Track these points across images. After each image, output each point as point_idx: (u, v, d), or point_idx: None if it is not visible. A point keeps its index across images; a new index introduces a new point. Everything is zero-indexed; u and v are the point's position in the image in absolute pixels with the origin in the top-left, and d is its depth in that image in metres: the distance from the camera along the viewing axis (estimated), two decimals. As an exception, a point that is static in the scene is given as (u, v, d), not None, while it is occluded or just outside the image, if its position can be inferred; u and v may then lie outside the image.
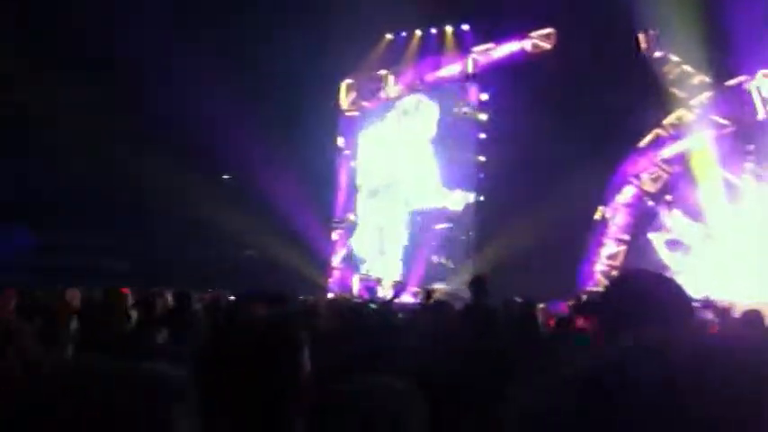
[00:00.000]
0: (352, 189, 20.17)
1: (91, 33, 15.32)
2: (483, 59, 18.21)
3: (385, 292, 17.67)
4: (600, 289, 14.84)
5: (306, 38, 16.37)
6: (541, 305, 8.35)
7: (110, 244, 16.98)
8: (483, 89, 18.13)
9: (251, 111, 16.09)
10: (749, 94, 14.64)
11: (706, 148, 14.73)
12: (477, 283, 5.41)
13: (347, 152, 20.48)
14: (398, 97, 19.77)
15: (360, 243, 19.65)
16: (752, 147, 14.51)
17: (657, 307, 1.74)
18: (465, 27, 18.35)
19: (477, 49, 18.23)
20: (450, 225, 18.13)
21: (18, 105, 14.87)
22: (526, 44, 17.40)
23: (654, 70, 15.27)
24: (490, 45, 17.98)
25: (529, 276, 12.46)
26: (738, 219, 14.30)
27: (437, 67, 19.02)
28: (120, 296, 5.16)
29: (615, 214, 16.03)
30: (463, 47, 18.47)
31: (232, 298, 7.91)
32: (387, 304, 7.75)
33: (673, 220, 15.32)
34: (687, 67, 15.07)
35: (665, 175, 15.73)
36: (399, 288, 13.97)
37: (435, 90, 19.16)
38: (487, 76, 17.95)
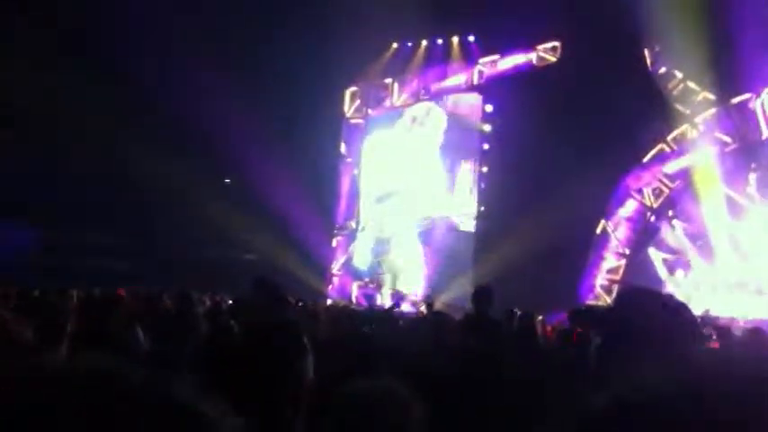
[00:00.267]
0: (354, 196, 20.17)
1: (94, 34, 15.36)
2: (489, 70, 18.25)
3: (384, 300, 17.65)
4: (599, 303, 14.83)
5: (311, 45, 16.42)
6: (540, 317, 8.33)
7: (110, 244, 16.98)
8: (488, 100, 18.16)
9: (254, 116, 16.11)
10: (754, 112, 14.65)
11: (709, 164, 14.72)
12: (481, 294, 5.37)
13: (349, 159, 20.51)
14: (404, 106, 19.79)
15: (362, 249, 19.61)
16: (755, 165, 14.50)
17: (663, 327, 1.74)
18: (471, 38, 18.40)
19: (482, 60, 18.27)
20: (453, 234, 18.11)
21: (19, 105, 14.88)
22: (532, 56, 17.44)
23: (658, 85, 15.29)
24: (496, 57, 18.02)
25: (528, 287, 12.44)
26: (740, 236, 14.28)
27: (442, 77, 19.06)
28: (117, 298, 5.16)
29: (617, 228, 16.02)
30: (469, 58, 18.51)
31: (230, 302, 7.88)
32: (387, 313, 7.73)
33: (674, 235, 15.30)
34: (691, 84, 15.09)
35: (667, 191, 15.73)
36: (398, 298, 13.95)
37: (440, 100, 19.20)
38: (493, 88, 17.98)
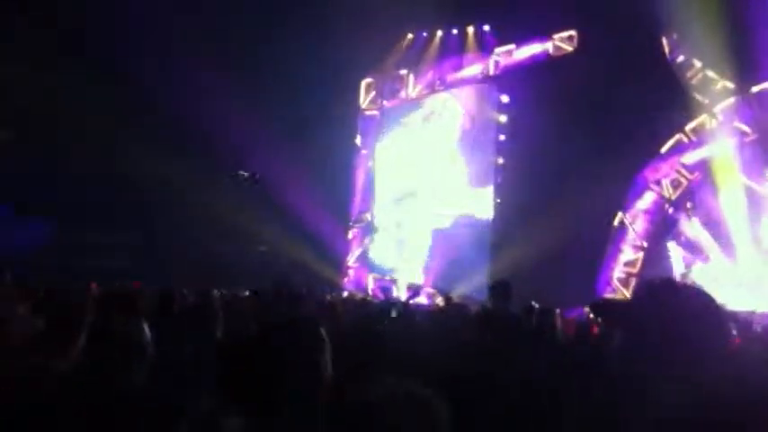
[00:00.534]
0: (370, 188, 20.12)
1: (94, 34, 15.38)
2: (504, 61, 18.11)
3: (399, 292, 17.62)
4: (617, 296, 14.72)
5: (326, 36, 16.36)
6: (557, 311, 8.26)
7: (125, 241, 17.07)
8: (504, 91, 18.01)
9: (269, 109, 16.11)
10: (774, 101, 14.44)
11: (728, 155, 14.53)
12: (499, 288, 5.34)
13: (365, 151, 20.46)
14: (420, 97, 19.67)
15: (380, 250, 19.52)
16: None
17: (690, 320, 1.69)
18: (486, 28, 18.25)
19: (498, 50, 18.13)
20: (470, 228, 18.00)
21: (20, 106, 14.96)
22: (548, 46, 17.27)
23: (676, 75, 15.09)
24: (512, 46, 17.87)
25: (546, 281, 12.35)
26: (760, 228, 14.11)
27: (458, 67, 18.94)
28: (135, 294, 5.14)
29: (634, 220, 15.86)
30: (484, 48, 18.37)
31: (247, 293, 7.89)
32: (404, 305, 7.71)
33: (692, 227, 15.14)
34: (710, 73, 14.88)
35: (685, 182, 15.55)
36: (415, 290, 13.92)
37: (455, 91, 19.06)
38: (509, 78, 17.84)
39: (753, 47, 13.17)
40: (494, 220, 17.65)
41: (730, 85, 14.72)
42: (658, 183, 15.75)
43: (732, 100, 14.82)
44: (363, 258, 19.83)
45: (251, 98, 15.70)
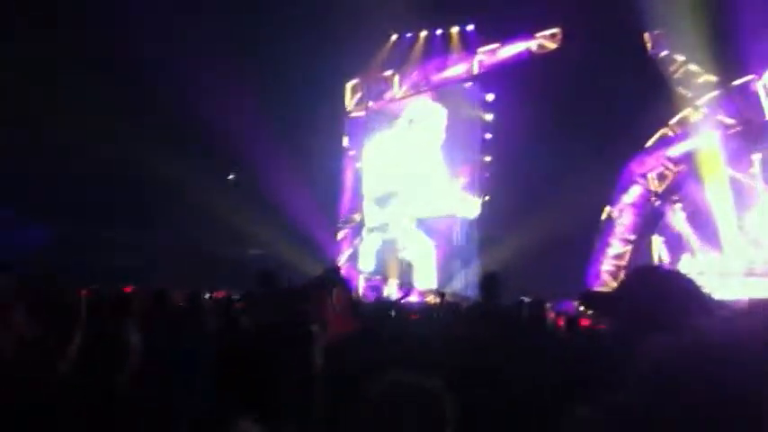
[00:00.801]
0: (358, 189, 20.15)
1: (93, 33, 15.34)
2: (488, 60, 18.19)
3: (390, 292, 17.64)
4: (607, 288, 14.82)
5: (311, 39, 16.37)
6: (548, 305, 8.33)
7: (115, 241, 17.00)
8: (489, 89, 18.09)
9: (256, 110, 16.10)
10: (756, 93, 14.58)
11: (713, 147, 14.68)
12: (488, 281, 5.37)
13: (352, 153, 20.48)
14: (405, 98, 19.69)
15: (368, 251, 19.52)
16: (759, 147, 14.45)
17: (678, 302, 1.73)
18: (470, 27, 18.32)
19: (482, 49, 18.20)
20: (457, 226, 18.07)
21: (21, 106, 14.90)
22: (532, 44, 17.37)
23: (660, 69, 15.22)
24: (496, 45, 17.95)
25: (535, 276, 12.41)
26: (745, 219, 14.25)
27: (443, 67, 19.00)
28: (126, 297, 5.16)
29: (621, 214, 15.99)
30: (469, 47, 18.44)
31: (236, 297, 7.89)
32: (396, 304, 7.76)
33: (678, 219, 15.27)
34: (693, 67, 15.02)
35: (671, 175, 15.69)
36: (407, 290, 13.95)
37: (441, 91, 19.10)
38: (493, 77, 17.92)
39: (734, 40, 13.30)
40: (482, 217, 17.71)
41: (713, 78, 14.86)
42: (644, 176, 15.89)
43: (715, 93, 14.97)
44: (353, 259, 19.85)
45: (239, 100, 15.70)
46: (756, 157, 14.42)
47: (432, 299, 13.85)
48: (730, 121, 14.86)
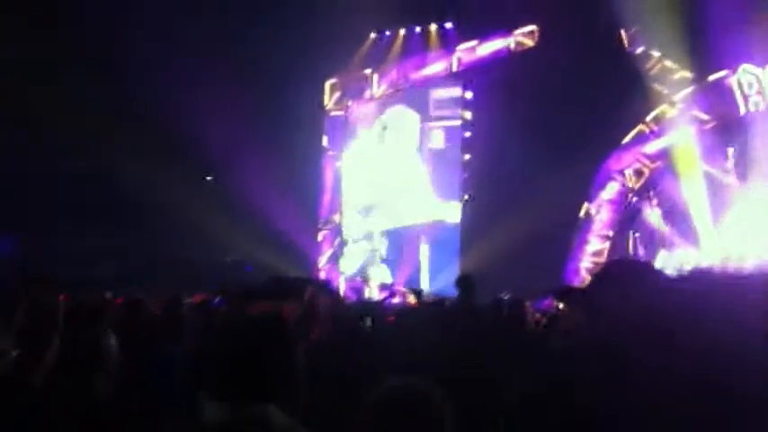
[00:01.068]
0: (338, 189, 20.10)
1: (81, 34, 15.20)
2: (467, 57, 18.23)
3: (371, 293, 17.63)
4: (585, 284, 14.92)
5: (289, 37, 16.32)
6: (528, 303, 8.37)
7: (89, 248, 16.82)
8: (467, 87, 18.13)
9: (234, 111, 16.02)
10: (731, 88, 14.75)
11: (688, 143, 14.83)
12: (464, 282, 5.42)
13: (332, 153, 20.43)
14: (383, 99, 19.63)
15: (351, 260, 19.42)
16: (733, 141, 14.62)
17: (648, 295, 1.75)
18: (448, 25, 18.36)
19: (461, 47, 18.24)
20: (439, 228, 18.01)
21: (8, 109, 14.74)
22: (509, 41, 17.44)
23: (636, 66, 15.34)
24: (474, 43, 18.00)
25: (514, 274, 12.47)
26: (720, 213, 14.41)
27: (421, 65, 19.01)
28: (100, 305, 5.12)
29: (599, 210, 16.11)
30: (447, 45, 18.47)
31: (217, 300, 7.84)
32: (379, 305, 7.76)
33: (655, 215, 15.42)
34: (669, 63, 15.16)
35: (647, 171, 15.83)
36: (390, 291, 13.97)
37: (418, 90, 19.07)
38: (472, 74, 17.96)
39: (709, 36, 13.44)
40: (462, 216, 17.72)
41: (688, 74, 15.01)
42: (621, 173, 16.02)
43: (690, 89, 15.12)
44: (334, 260, 19.81)
45: (215, 100, 15.60)
46: (730, 152, 14.58)
47: (412, 299, 13.86)
48: (705, 116, 15.01)
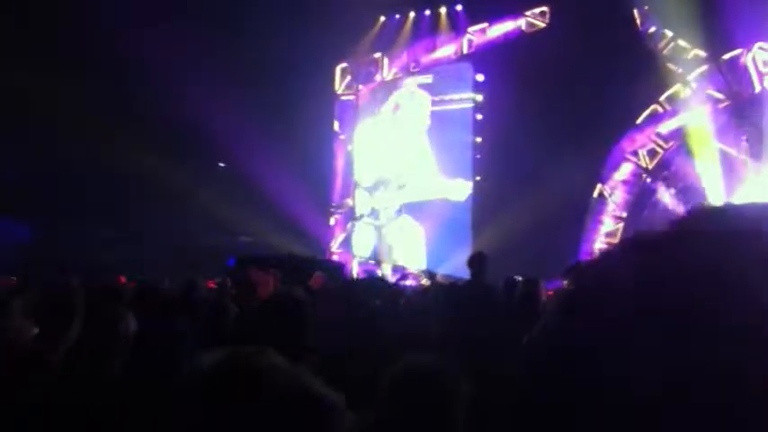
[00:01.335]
0: (350, 173, 20.10)
1: (81, 29, 15.23)
2: (478, 40, 18.12)
3: (384, 274, 17.66)
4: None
5: (299, 22, 16.29)
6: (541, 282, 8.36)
7: (103, 234, 16.96)
8: (479, 69, 18.03)
9: (245, 97, 16.03)
10: (745, 67, 14.58)
11: (702, 122, 14.70)
12: (476, 260, 5.42)
13: (343, 137, 20.42)
14: (393, 83, 19.56)
15: (361, 238, 19.46)
16: (748, 121, 14.47)
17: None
18: (458, 8, 18.24)
19: (471, 29, 18.13)
20: (450, 209, 18.02)
21: (15, 98, 14.82)
22: (521, 22, 17.31)
23: (649, 45, 15.20)
24: (484, 25, 17.88)
25: (528, 256, 12.47)
26: (734, 193, 14.30)
27: (432, 48, 18.92)
28: (118, 288, 5.18)
29: (613, 191, 16.03)
30: (457, 28, 18.36)
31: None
32: (394, 285, 7.78)
33: (669, 196, 15.32)
34: (682, 42, 15.00)
35: (661, 151, 15.72)
36: (402, 273, 14.01)
37: (430, 72, 18.98)
38: (483, 57, 17.86)
39: (722, 15, 13.29)
40: (473, 198, 17.69)
41: (702, 53, 14.85)
42: (635, 153, 15.91)
43: (704, 68, 14.96)
44: (347, 244, 19.86)
45: (226, 86, 15.61)
46: (746, 131, 14.45)
47: (425, 281, 13.90)
48: (719, 95, 14.87)
